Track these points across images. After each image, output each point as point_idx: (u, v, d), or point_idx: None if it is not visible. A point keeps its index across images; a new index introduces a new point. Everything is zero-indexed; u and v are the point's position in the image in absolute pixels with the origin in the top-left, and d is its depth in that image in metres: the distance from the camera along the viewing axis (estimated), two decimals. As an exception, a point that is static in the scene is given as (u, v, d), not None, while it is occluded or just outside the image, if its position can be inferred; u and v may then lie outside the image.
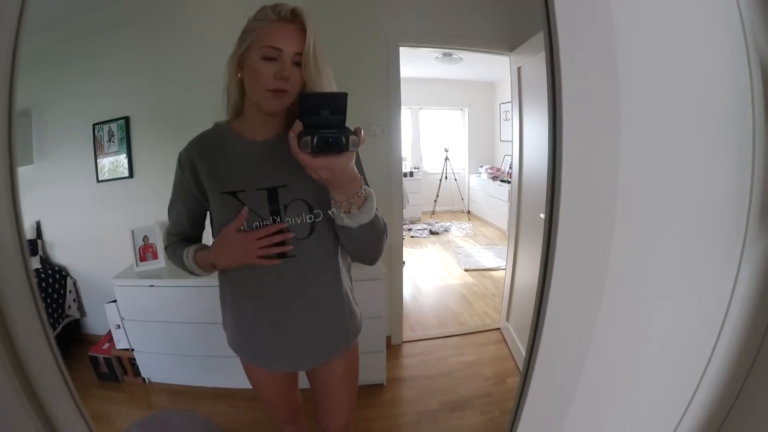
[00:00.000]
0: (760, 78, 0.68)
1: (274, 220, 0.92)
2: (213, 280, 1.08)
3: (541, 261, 0.68)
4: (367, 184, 0.89)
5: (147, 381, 2.19)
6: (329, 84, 0.87)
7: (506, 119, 5.79)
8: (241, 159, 0.94)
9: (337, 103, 0.73)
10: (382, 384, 2.22)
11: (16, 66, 0.62)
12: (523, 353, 2.33)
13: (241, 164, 0.94)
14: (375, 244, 0.93)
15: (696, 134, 0.67)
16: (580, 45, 0.60)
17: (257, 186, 0.92)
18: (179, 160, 0.99)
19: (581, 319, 0.68)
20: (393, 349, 2.58)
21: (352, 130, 0.74)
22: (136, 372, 2.16)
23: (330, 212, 0.88)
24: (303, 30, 0.84)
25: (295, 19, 0.85)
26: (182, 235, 1.07)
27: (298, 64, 0.85)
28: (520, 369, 2.33)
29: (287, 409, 1.26)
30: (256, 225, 0.92)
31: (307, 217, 0.93)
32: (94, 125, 2.34)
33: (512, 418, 0.79)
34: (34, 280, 0.66)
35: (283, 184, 0.92)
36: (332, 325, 1.04)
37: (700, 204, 0.70)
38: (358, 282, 2.00)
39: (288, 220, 0.93)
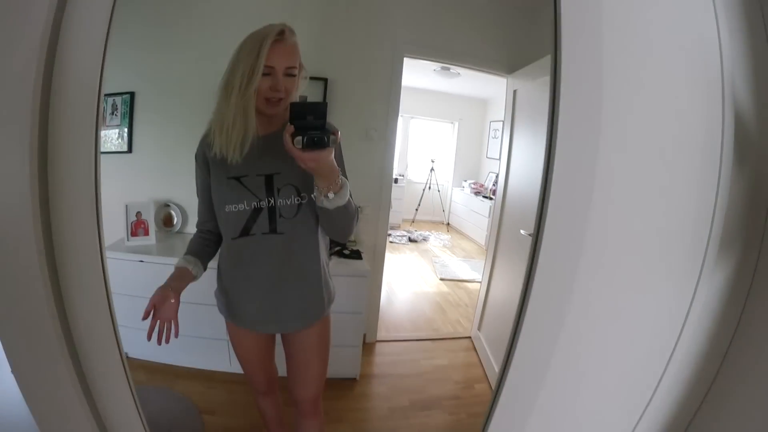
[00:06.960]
0: (731, 127, 0.78)
1: (269, 201, 1.11)
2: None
3: (526, 273, 0.81)
4: (345, 176, 1.09)
5: (126, 356, 2.19)
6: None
7: (495, 137, 5.94)
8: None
9: (320, 110, 0.91)
10: (355, 378, 2.29)
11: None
12: (493, 362, 2.43)
13: (246, 155, 1.10)
14: (347, 223, 1.11)
15: (668, 175, 0.78)
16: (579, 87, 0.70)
17: (257, 172, 1.11)
18: (196, 156, 1.18)
19: (550, 329, 0.80)
20: (367, 346, 2.66)
21: (331, 131, 0.91)
22: (116, 345, 2.16)
23: (312, 196, 1.05)
24: (292, 46, 1.04)
25: (283, 37, 1.03)
26: (205, 226, 1.24)
27: (288, 75, 1.05)
28: (487, 374, 2.41)
29: (264, 376, 1.40)
30: (254, 204, 1.10)
31: (295, 199, 1.12)
32: (99, 96, 2.34)
33: (487, 412, 0.91)
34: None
35: (278, 172, 1.10)
36: (311, 291, 1.21)
37: (666, 233, 0.80)
38: (345, 277, 2.08)
39: (280, 202, 1.11)
